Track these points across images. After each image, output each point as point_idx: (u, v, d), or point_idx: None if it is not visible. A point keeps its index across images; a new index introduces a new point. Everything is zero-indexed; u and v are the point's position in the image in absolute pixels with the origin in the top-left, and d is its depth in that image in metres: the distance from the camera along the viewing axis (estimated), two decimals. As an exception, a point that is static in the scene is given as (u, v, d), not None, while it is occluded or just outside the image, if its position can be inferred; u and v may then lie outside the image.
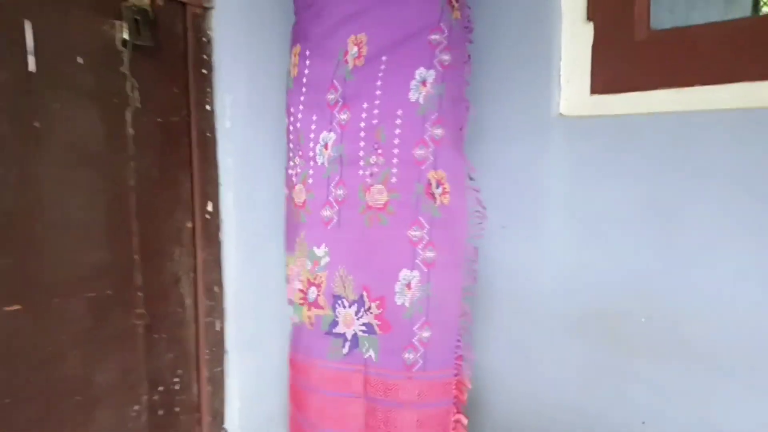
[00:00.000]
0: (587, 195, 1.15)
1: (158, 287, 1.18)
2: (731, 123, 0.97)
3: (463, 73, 1.09)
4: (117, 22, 1.07)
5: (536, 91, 1.21)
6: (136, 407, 1.17)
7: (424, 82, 1.02)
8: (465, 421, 1.10)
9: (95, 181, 1.07)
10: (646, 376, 1.10)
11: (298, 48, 1.16)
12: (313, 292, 1.16)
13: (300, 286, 1.19)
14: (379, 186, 1.05)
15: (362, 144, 1.07)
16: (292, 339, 1.26)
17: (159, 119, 1.15)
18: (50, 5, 1.00)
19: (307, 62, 1.14)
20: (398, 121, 1.04)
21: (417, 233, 1.04)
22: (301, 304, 1.19)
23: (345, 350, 1.12)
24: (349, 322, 1.12)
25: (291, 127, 1.20)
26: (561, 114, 1.19)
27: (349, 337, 1.12)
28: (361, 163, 1.07)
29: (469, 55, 1.12)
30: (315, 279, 1.15)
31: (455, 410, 1.09)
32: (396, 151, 1.04)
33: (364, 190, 1.07)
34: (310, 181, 1.14)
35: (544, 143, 1.21)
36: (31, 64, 0.99)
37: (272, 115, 1.28)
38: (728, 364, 1.00)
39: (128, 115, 1.10)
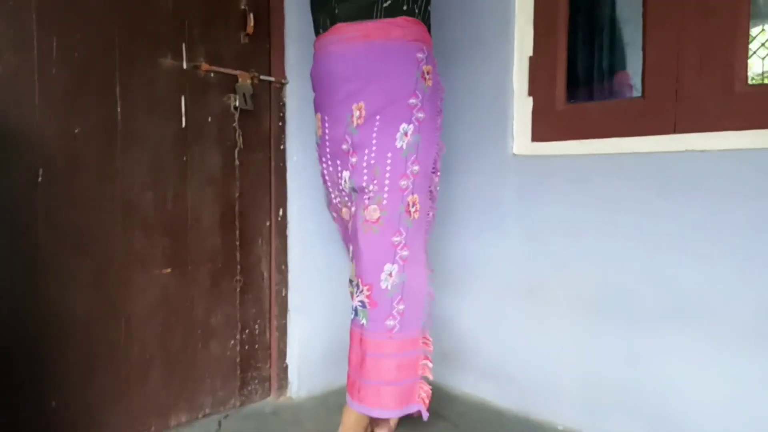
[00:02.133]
0: (529, 208, 1.76)
1: (249, 263, 1.81)
2: (613, 164, 1.57)
3: (436, 124, 1.44)
4: (232, 95, 1.72)
5: (499, 139, 1.83)
6: (232, 342, 1.79)
7: (406, 134, 1.36)
8: (430, 364, 1.47)
9: (216, 194, 1.72)
10: (566, 326, 1.69)
11: (319, 116, 1.53)
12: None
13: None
14: (374, 206, 1.38)
15: (365, 177, 1.39)
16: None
17: (253, 155, 1.79)
18: (196, 87, 1.65)
19: (327, 126, 1.49)
20: (388, 161, 1.37)
21: (397, 239, 1.38)
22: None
23: (365, 322, 1.42)
24: (355, 299, 1.45)
25: (325, 171, 1.57)
26: (514, 154, 1.80)
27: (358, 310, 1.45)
28: (364, 191, 1.40)
29: (440, 110, 1.47)
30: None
31: (423, 357, 1.46)
32: (387, 182, 1.37)
33: (363, 209, 1.39)
34: (349, 204, 1.51)
35: (503, 173, 1.82)
36: (183, 122, 1.63)
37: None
38: (610, 314, 1.59)
39: (236, 153, 1.75)
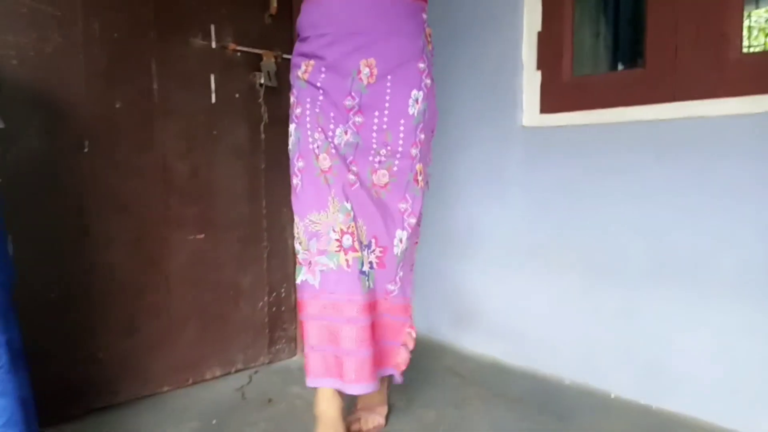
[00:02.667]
0: (535, 177, 1.86)
1: (275, 231, 1.94)
2: (616, 133, 1.67)
3: (434, 91, 1.42)
4: (257, 73, 1.83)
5: (508, 112, 1.93)
6: (260, 303, 1.93)
7: (417, 101, 1.33)
8: (414, 334, 1.43)
9: (243, 166, 1.84)
10: (567, 286, 1.79)
11: (312, 62, 1.36)
12: (347, 240, 1.32)
13: (335, 236, 1.32)
14: (384, 171, 1.35)
15: (374, 140, 1.33)
16: (319, 286, 1.34)
17: (277, 129, 1.91)
18: (224, 65, 1.77)
19: (323, 73, 1.35)
20: (401, 128, 1.34)
21: (404, 205, 1.37)
22: (337, 251, 1.32)
23: (370, 284, 1.35)
24: (365, 262, 1.34)
25: (308, 113, 1.36)
26: (523, 126, 1.90)
27: (367, 273, 1.35)
28: (372, 152, 1.33)
29: (433, 77, 1.43)
30: (349, 228, 1.31)
31: (409, 324, 1.43)
32: (399, 149, 1.34)
33: (372, 172, 1.35)
34: (333, 151, 1.33)
35: (511, 144, 1.92)
36: (213, 99, 1.76)
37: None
38: (608, 275, 1.69)
39: (261, 127, 1.87)
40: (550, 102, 1.84)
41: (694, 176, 1.50)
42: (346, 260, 1.32)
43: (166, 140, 1.66)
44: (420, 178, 1.39)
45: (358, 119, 1.34)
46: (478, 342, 2.08)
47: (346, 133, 1.34)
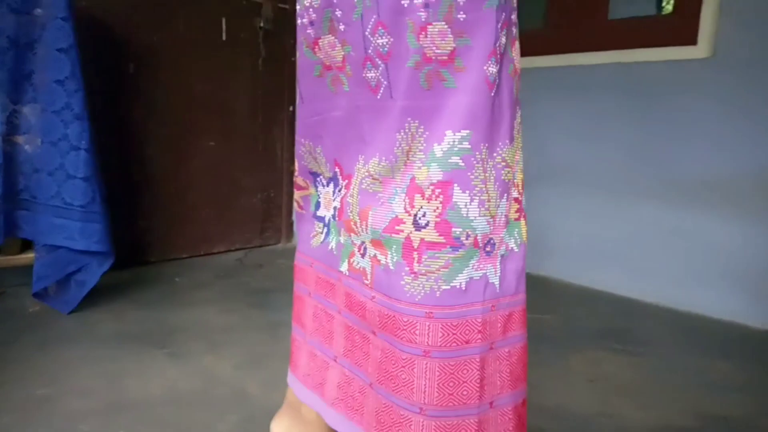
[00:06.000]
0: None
1: (268, 143, 2.52)
2: (531, 75, 2.24)
3: None
4: (258, 18, 2.37)
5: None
6: (254, 199, 2.52)
7: None
8: None
9: (246, 90, 2.39)
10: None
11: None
12: (298, 172, 0.96)
13: (294, 169, 0.97)
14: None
15: None
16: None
17: (273, 64, 2.45)
18: (233, 11, 2.30)
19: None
20: None
21: None
22: (296, 188, 0.99)
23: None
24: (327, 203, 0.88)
25: None
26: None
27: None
28: None
29: None
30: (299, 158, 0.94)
31: None
32: None
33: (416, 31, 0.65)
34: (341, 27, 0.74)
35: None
36: (224, 36, 2.30)
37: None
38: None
39: (260, 62, 2.42)
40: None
41: (573, 108, 2.10)
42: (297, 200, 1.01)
43: (193, 67, 2.21)
44: None
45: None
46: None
47: None
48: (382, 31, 0.66)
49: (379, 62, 0.69)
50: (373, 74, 0.70)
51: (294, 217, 1.07)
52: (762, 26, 1.66)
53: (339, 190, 0.83)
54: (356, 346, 0.79)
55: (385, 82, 0.69)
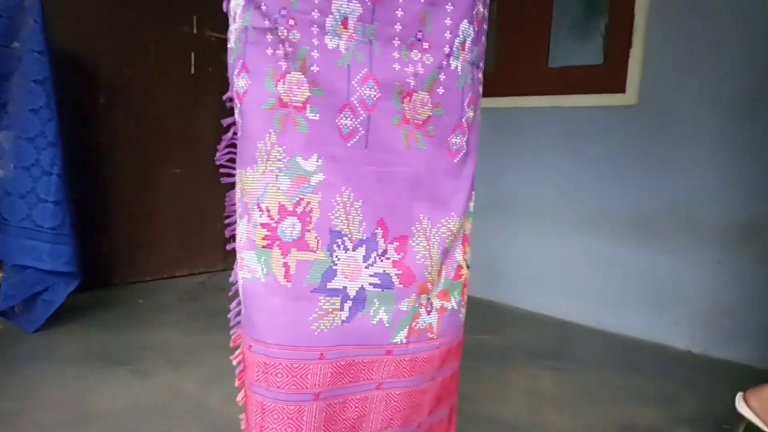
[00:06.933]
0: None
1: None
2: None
3: None
4: (225, 54, 2.49)
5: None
6: (218, 226, 2.60)
7: None
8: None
9: (214, 122, 2.50)
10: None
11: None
12: (291, 226, 0.73)
13: (264, 219, 0.74)
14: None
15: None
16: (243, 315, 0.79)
17: (238, 97, 2.58)
18: (202, 47, 2.42)
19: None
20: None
21: None
22: (266, 247, 0.74)
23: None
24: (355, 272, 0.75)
25: None
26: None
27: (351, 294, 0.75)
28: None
29: None
30: (296, 205, 0.73)
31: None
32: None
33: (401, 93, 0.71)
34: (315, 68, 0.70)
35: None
36: (192, 70, 2.41)
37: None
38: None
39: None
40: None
41: (516, 146, 2.29)
42: (282, 266, 0.77)
43: (160, 98, 2.31)
44: None
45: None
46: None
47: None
48: (371, 82, 0.74)
49: (361, 112, 0.74)
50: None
51: (244, 289, 0.79)
52: (678, 77, 1.88)
53: (380, 255, 0.75)
54: (408, 406, 0.80)
55: (362, 131, 0.74)
